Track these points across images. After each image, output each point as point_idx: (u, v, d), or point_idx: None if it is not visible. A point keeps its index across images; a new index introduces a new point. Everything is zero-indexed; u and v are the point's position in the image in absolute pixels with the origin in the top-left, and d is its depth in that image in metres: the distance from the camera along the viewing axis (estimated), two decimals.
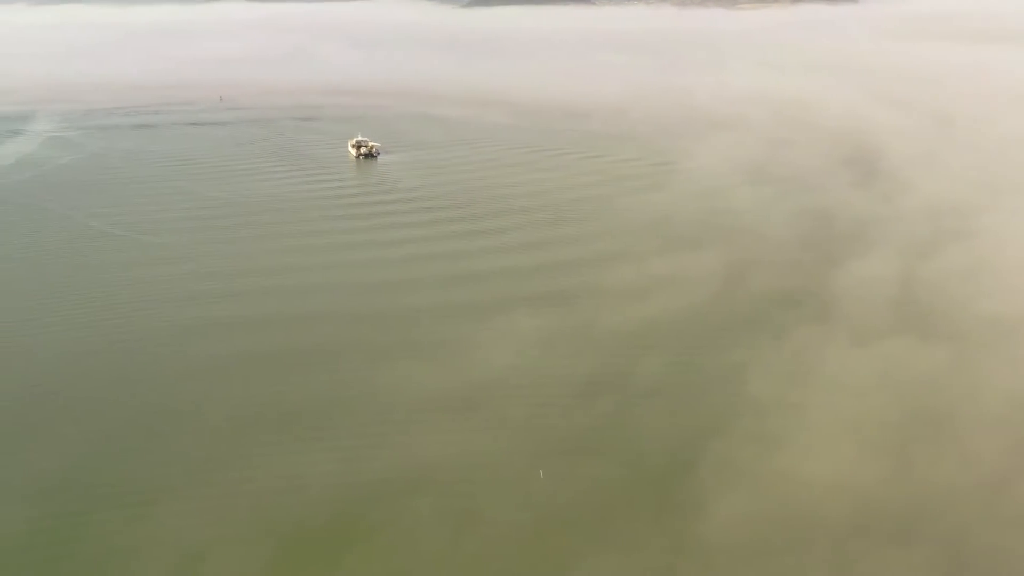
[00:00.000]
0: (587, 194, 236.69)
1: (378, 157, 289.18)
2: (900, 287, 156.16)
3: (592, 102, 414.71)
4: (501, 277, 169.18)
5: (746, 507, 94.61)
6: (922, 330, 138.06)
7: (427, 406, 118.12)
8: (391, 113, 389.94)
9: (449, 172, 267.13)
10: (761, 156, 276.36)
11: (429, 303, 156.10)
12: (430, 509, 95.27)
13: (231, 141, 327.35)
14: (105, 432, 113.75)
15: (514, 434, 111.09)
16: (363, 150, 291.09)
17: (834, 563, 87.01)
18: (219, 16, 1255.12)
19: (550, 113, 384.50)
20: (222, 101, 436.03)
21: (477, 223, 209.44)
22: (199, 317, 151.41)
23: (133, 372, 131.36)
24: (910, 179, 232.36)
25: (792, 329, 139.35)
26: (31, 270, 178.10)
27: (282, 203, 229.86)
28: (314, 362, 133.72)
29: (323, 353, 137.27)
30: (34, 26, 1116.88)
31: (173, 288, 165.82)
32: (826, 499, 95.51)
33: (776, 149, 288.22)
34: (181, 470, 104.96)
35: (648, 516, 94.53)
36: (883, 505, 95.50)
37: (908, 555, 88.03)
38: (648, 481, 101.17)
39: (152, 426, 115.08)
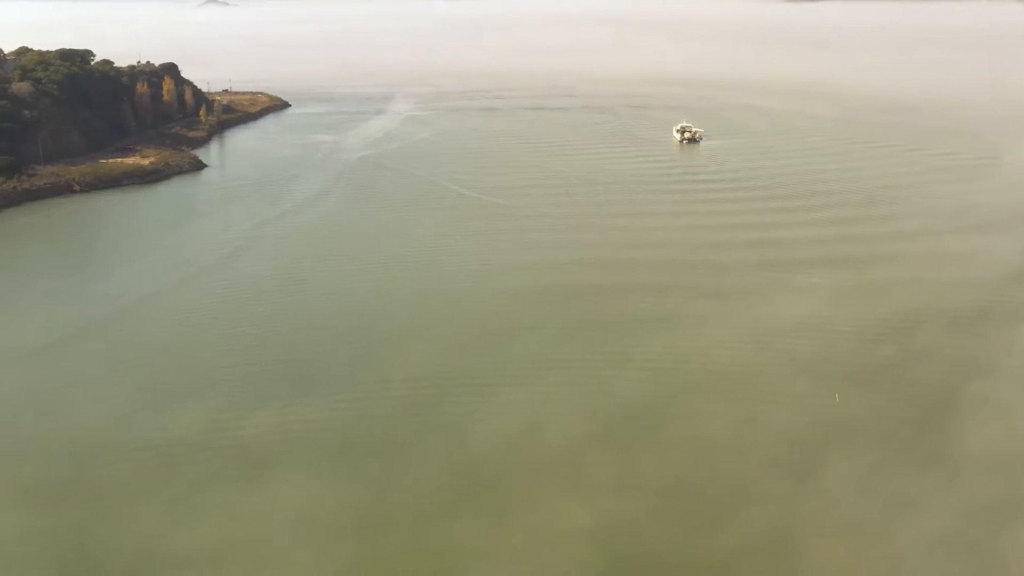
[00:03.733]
0: (900, 183, 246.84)
1: (700, 142, 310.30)
2: None
3: (921, 97, 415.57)
4: (805, 246, 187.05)
5: (996, 437, 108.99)
6: None
7: (726, 336, 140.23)
8: (715, 103, 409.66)
9: (768, 158, 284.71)
10: None
11: (738, 262, 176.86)
12: (719, 410, 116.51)
13: (568, 124, 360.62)
14: (456, 339, 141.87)
15: (799, 365, 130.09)
16: (686, 135, 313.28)
17: None
18: (534, 10, 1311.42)
19: (876, 107, 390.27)
20: (555, 88, 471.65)
21: (789, 201, 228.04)
22: (536, 260, 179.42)
23: (480, 299, 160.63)
24: None
25: None
26: (408, 220, 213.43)
27: (616, 177, 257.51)
28: (629, 298, 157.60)
29: (641, 290, 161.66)
30: (360, 17, 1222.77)
31: (512, 236, 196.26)
32: None
33: None
34: (518, 365, 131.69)
35: (908, 434, 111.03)
36: None
37: None
38: (914, 409, 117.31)
39: (491, 337, 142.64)
